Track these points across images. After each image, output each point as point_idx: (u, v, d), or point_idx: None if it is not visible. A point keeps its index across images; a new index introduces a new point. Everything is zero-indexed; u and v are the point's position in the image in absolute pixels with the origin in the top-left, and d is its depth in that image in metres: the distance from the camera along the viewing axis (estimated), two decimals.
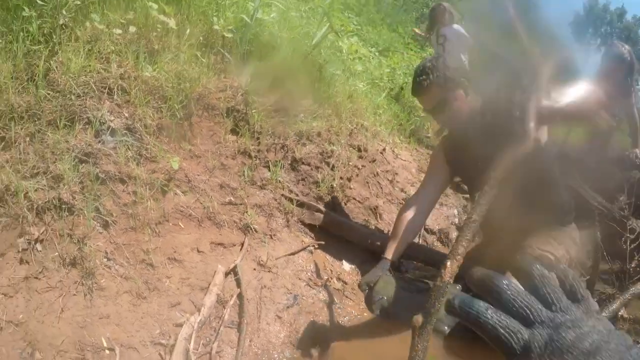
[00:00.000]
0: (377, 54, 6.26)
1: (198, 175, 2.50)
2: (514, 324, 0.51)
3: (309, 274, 2.63)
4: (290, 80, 3.07)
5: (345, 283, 2.72)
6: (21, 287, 1.82)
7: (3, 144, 2.01)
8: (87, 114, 2.18)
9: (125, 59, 2.43)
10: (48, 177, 1.98)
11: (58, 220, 1.95)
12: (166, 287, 2.10)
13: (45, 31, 2.29)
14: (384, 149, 3.73)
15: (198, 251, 2.30)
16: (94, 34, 2.40)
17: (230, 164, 2.67)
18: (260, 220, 2.62)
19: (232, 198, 2.57)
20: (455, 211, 3.83)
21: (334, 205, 2.95)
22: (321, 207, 2.87)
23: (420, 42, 7.66)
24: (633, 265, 2.78)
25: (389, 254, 2.57)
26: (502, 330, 0.51)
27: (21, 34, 2.19)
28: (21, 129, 2.05)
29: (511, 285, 0.56)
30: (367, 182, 3.25)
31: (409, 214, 2.63)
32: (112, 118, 2.27)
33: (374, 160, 3.42)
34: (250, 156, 2.76)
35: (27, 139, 2.05)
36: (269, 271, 2.47)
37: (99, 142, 2.17)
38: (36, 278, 1.85)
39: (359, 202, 3.11)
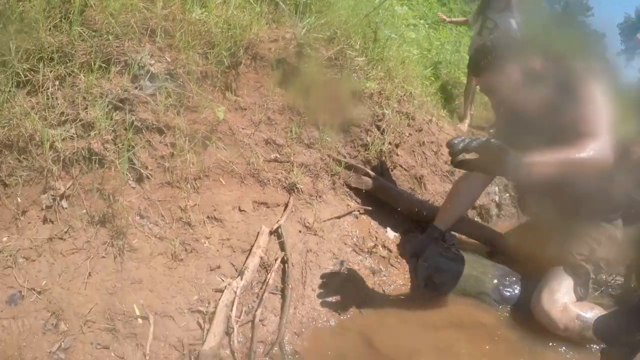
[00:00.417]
0: (426, 26, 5.99)
1: (243, 128, 2.25)
2: None
3: (354, 239, 2.40)
4: (346, 37, 2.80)
5: (390, 251, 2.50)
6: (44, 250, 1.63)
7: (29, 87, 1.76)
8: (125, 56, 1.92)
9: None
10: (77, 125, 1.75)
11: (87, 173, 1.74)
12: (205, 248, 1.89)
13: None
14: (431, 120, 3.44)
15: (240, 210, 2.07)
16: None
17: (278, 119, 2.42)
18: (306, 180, 2.37)
19: (277, 155, 2.32)
20: (496, 188, 3.60)
21: (381, 171, 2.72)
22: (369, 171, 2.61)
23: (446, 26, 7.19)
24: None
25: (440, 222, 2.47)
26: None
27: None
28: (50, 71, 1.79)
29: None
30: (414, 151, 2.99)
31: (465, 186, 2.55)
32: (153, 62, 2.01)
33: (420, 130, 3.13)
34: (298, 112, 2.49)
35: (57, 82, 1.80)
36: (314, 234, 2.24)
37: (137, 87, 1.92)
38: (61, 239, 1.67)
39: (405, 169, 2.85)
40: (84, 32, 1.88)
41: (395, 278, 2.39)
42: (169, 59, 2.06)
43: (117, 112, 1.82)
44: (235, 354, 1.72)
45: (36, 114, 1.71)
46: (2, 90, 1.70)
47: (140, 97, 1.90)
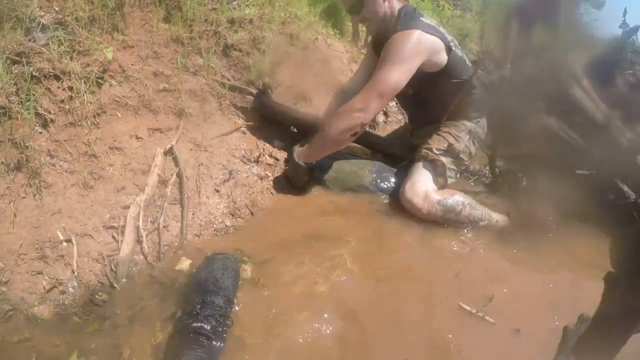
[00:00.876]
0: None
1: (132, 65, 2.50)
2: None
3: (242, 151, 2.74)
4: None
5: (277, 159, 2.87)
6: None
7: None
8: (15, 12, 2.11)
9: None
10: None
11: None
12: (110, 174, 2.18)
13: None
14: (317, 38, 3.70)
15: (137, 138, 2.36)
16: None
17: (164, 52, 2.66)
18: (194, 105, 2.67)
19: (166, 85, 2.59)
20: None
21: (264, 89, 3.00)
22: (252, 90, 2.94)
23: None
24: None
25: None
26: None
27: None
28: None
29: None
30: (298, 69, 3.27)
31: (344, 96, 2.76)
32: (42, 13, 2.21)
33: (305, 48, 3.42)
34: (182, 44, 2.74)
35: None
36: (204, 150, 2.57)
37: (30, 40, 2.12)
38: None
39: (289, 86, 3.15)
40: None
41: (283, 182, 2.73)
42: (57, 9, 2.27)
43: (16, 65, 2.03)
44: (147, 257, 2.06)
45: None
46: None
47: (35, 49, 2.11)
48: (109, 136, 2.26)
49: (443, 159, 2.77)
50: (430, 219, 2.53)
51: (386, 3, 2.66)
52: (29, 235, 1.87)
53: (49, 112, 2.09)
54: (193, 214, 2.31)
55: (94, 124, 2.23)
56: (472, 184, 2.92)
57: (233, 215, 2.42)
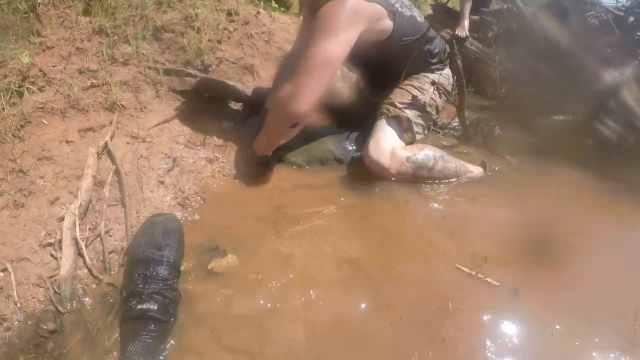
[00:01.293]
0: None
1: (53, 66, 2.43)
2: None
3: (186, 137, 2.66)
4: None
5: (227, 139, 2.79)
6: None
7: None
8: None
9: None
10: None
11: None
12: (41, 187, 2.10)
13: None
14: (258, 12, 3.58)
15: (67, 142, 2.29)
16: None
17: (87, 47, 2.59)
18: (128, 96, 2.60)
19: (93, 80, 2.52)
20: None
21: (205, 68, 2.93)
22: (191, 71, 2.85)
23: None
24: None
25: (270, 103, 2.67)
26: None
27: None
28: None
29: None
30: (241, 44, 3.18)
31: (289, 64, 2.65)
32: None
33: (247, 23, 3.31)
34: (107, 34, 2.66)
35: None
36: (143, 141, 2.48)
37: None
38: None
39: (232, 62, 3.07)
40: None
41: (236, 161, 2.65)
42: None
43: None
44: (92, 270, 1.89)
45: None
46: None
47: None
48: (36, 147, 2.20)
49: (408, 112, 2.62)
50: (400, 179, 2.44)
51: None
52: None
53: None
54: (137, 213, 2.21)
55: (18, 137, 2.18)
56: (442, 138, 2.89)
57: (183, 206, 2.33)
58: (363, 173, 2.56)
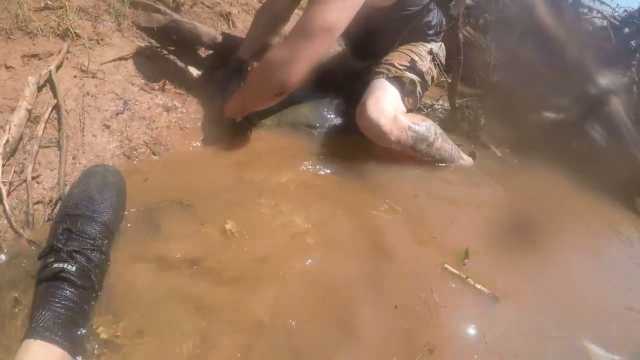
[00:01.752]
0: None
1: None
2: None
3: (144, 79, 2.41)
4: None
5: (190, 87, 2.54)
6: None
7: None
8: None
9: None
10: None
11: None
12: None
13: None
14: None
15: (6, 67, 2.02)
16: None
17: None
18: (85, 24, 2.34)
19: (48, 2, 2.27)
20: None
21: (176, 7, 2.69)
22: (161, 8, 2.60)
23: None
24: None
25: (243, 53, 2.44)
26: None
27: None
28: None
29: None
30: None
31: (268, 12, 2.46)
32: None
33: None
34: None
35: None
36: (93, 77, 2.22)
37: None
38: None
39: (207, 6, 2.83)
40: None
41: (197, 114, 2.44)
42: None
43: None
44: (13, 222, 1.63)
45: None
46: None
47: None
48: None
49: (410, 75, 2.35)
50: (397, 148, 2.20)
51: None
52: None
53: None
54: (74, 159, 1.94)
55: None
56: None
57: (128, 157, 2.09)
58: (345, 138, 2.40)
